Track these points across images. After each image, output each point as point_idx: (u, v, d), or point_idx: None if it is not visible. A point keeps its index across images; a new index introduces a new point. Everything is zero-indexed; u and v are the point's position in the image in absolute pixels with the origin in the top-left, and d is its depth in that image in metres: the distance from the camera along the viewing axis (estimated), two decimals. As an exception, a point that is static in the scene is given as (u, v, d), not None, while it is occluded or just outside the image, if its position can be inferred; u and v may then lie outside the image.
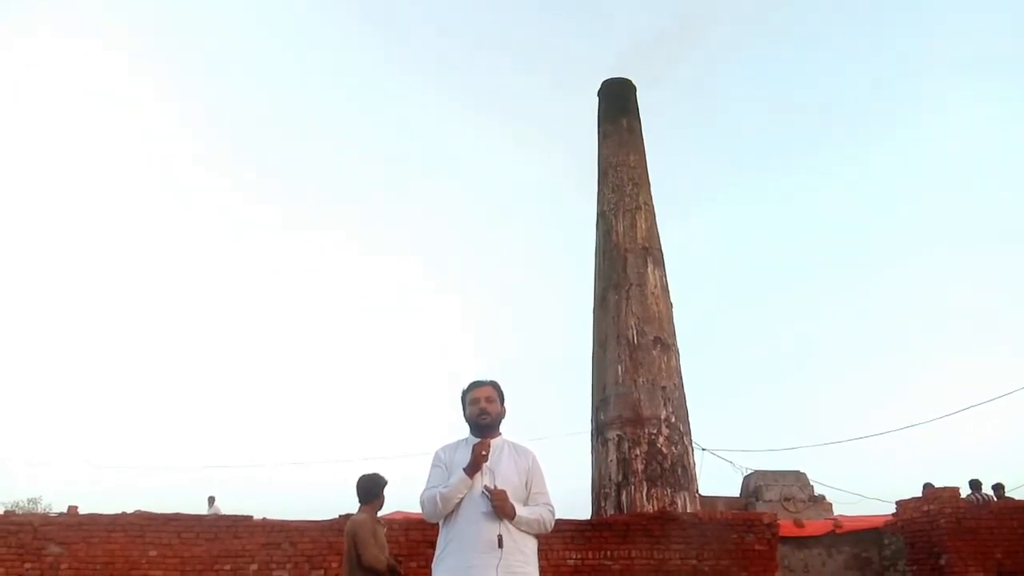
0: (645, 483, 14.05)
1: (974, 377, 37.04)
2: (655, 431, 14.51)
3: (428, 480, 3.64)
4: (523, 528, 3.50)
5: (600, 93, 18.97)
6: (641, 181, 17.45)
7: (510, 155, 60.49)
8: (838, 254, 52.88)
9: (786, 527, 12.63)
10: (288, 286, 53.43)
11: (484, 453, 3.49)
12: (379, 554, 5.85)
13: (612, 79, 18.93)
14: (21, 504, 23.92)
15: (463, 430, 3.79)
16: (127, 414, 44.11)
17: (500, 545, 3.37)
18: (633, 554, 10.47)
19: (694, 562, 10.52)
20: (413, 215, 58.29)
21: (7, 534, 9.58)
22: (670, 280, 16.67)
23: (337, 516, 10.06)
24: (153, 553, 9.75)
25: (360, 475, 6.20)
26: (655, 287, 16.07)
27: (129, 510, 10.17)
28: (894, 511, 13.40)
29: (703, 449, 16.57)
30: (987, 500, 13.13)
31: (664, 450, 14.38)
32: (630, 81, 19.00)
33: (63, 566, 9.54)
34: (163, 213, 53.15)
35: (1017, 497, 13.73)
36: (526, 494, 3.62)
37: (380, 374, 51.65)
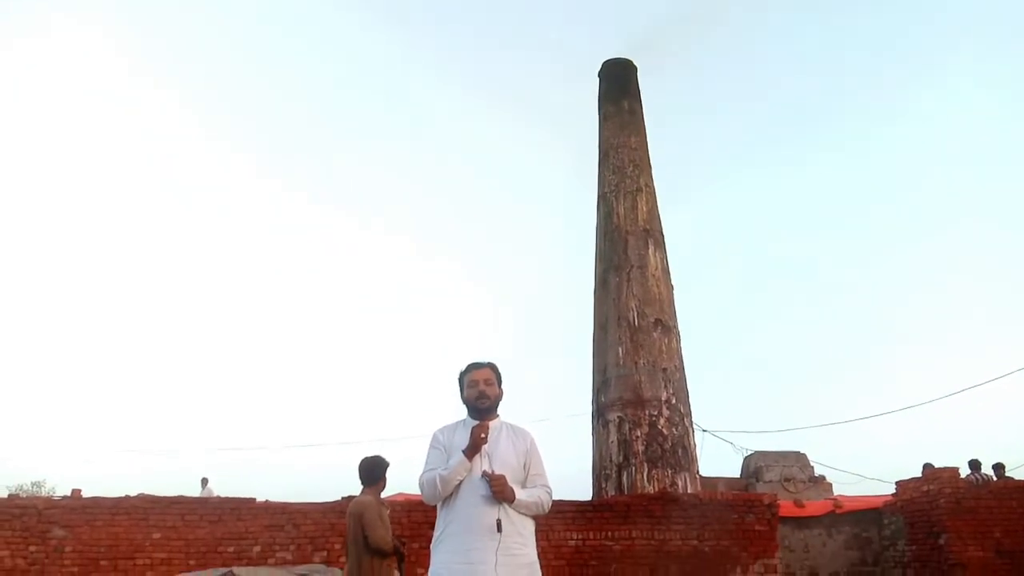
0: (646, 464, 14.10)
1: (974, 358, 37.12)
2: (656, 412, 14.55)
3: (426, 462, 3.64)
4: (522, 511, 3.51)
5: (601, 74, 18.83)
6: (642, 163, 17.39)
7: (511, 136, 60.32)
8: (839, 237, 52.83)
9: (786, 507, 12.69)
10: (289, 270, 53.44)
11: (483, 436, 3.49)
12: (386, 535, 5.88)
13: (613, 60, 18.79)
14: (25, 487, 24.10)
15: (463, 411, 3.78)
16: (130, 398, 44.25)
17: (499, 529, 3.38)
18: (634, 535, 10.53)
19: (695, 542, 10.58)
20: (414, 197, 58.19)
21: (12, 517, 9.63)
22: (671, 262, 16.66)
23: (340, 498, 10.10)
24: (157, 536, 9.82)
25: (362, 457, 6.22)
26: (656, 269, 16.06)
27: (132, 493, 10.23)
28: (894, 491, 13.45)
29: (704, 430, 16.64)
30: (986, 480, 13.18)
31: (665, 431, 14.42)
32: (631, 62, 18.87)
33: (67, 548, 9.61)
34: (162, 199, 53.09)
35: (1017, 477, 13.78)
36: (524, 475, 3.62)
37: (380, 356, 51.75)
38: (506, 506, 3.43)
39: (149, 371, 45.72)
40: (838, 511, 13.65)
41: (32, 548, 9.57)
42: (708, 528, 10.66)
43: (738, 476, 16.82)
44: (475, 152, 58.61)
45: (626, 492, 13.69)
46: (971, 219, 47.57)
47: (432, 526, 3.63)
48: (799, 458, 16.64)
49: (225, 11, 55.69)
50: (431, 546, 3.56)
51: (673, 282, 16.45)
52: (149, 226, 51.06)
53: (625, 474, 14.21)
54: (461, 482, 3.48)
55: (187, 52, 54.34)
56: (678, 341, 15.73)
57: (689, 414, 15.21)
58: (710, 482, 15.52)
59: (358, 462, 6.21)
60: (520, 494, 3.49)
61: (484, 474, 3.45)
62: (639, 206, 16.68)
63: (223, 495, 10.90)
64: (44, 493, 22.27)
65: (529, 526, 3.56)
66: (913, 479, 12.98)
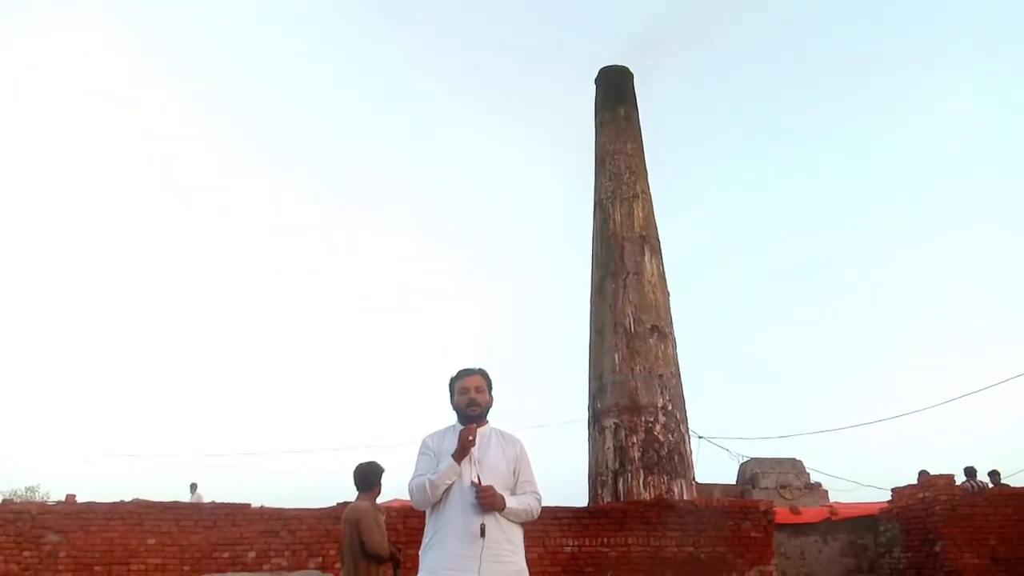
0: (642, 471, 14.10)
1: (970, 365, 37.19)
2: (652, 419, 14.56)
3: (416, 467, 3.63)
4: (511, 518, 3.51)
5: (597, 81, 18.88)
6: (638, 170, 17.43)
7: (509, 140, 60.36)
8: (836, 242, 52.94)
9: (782, 514, 12.68)
10: (285, 274, 53.40)
11: (471, 438, 3.49)
12: (383, 541, 5.88)
13: (609, 67, 18.83)
14: (19, 493, 23.95)
15: (454, 417, 3.78)
16: (124, 402, 44.13)
17: (483, 534, 3.38)
18: (630, 541, 10.52)
19: (691, 549, 10.57)
20: (410, 200, 58.20)
21: (5, 522, 9.60)
22: (667, 268, 16.69)
23: (335, 504, 10.08)
24: (151, 541, 9.78)
25: (357, 463, 6.21)
26: (652, 276, 16.09)
27: (127, 498, 10.20)
28: (890, 498, 13.47)
29: (700, 437, 16.65)
30: (982, 487, 13.20)
31: (661, 438, 14.43)
32: (628, 69, 18.91)
33: (61, 554, 9.57)
34: (159, 202, 53.06)
35: (1013, 484, 13.80)
36: (514, 482, 3.62)
37: (375, 361, 51.71)
38: (494, 515, 3.44)
39: (143, 375, 45.65)
40: (834, 518, 13.65)
41: (26, 553, 9.52)
42: (704, 535, 10.66)
43: (734, 483, 16.83)
44: (473, 156, 58.71)
45: (622, 498, 13.69)
46: (968, 225, 47.72)
47: (429, 532, 3.62)
48: (795, 465, 16.66)
49: (226, 12, 55.79)
50: (420, 552, 3.56)
51: (669, 288, 16.49)
52: (145, 229, 51.03)
53: (621, 480, 14.21)
54: (451, 487, 3.48)
55: (187, 52, 54.37)
56: (674, 347, 15.76)
57: (685, 420, 15.22)
58: (706, 488, 15.53)
59: (353, 468, 6.20)
60: (510, 502, 3.49)
61: (473, 484, 3.46)
62: (635, 212, 16.71)
63: (216, 500, 10.87)
64: (38, 498, 22.17)
65: (519, 533, 3.56)
66: (909, 486, 13.00)
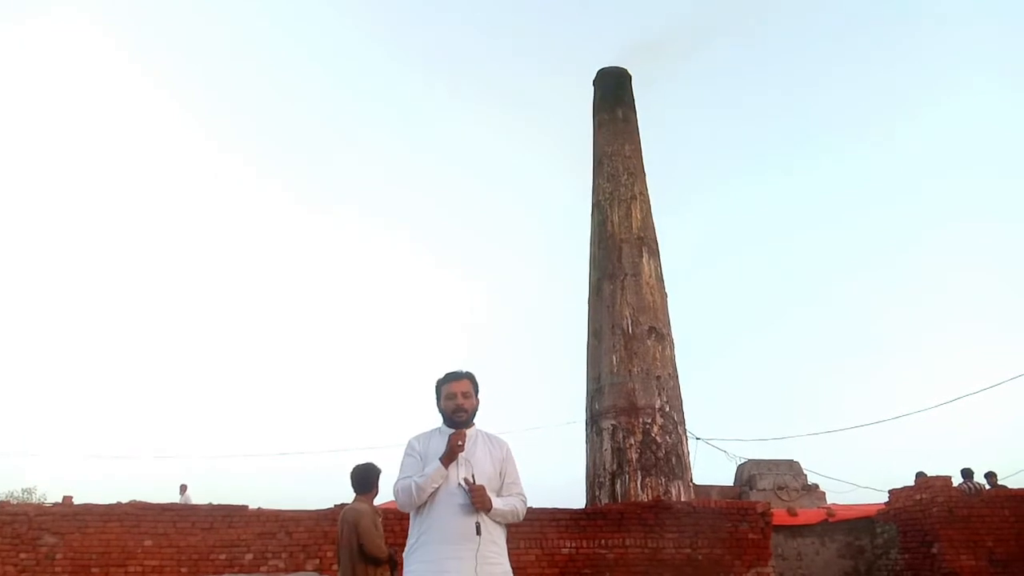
0: (640, 472, 14.10)
1: (967, 366, 37.22)
2: (649, 420, 14.56)
3: (401, 469, 3.63)
4: (497, 519, 3.53)
5: (595, 82, 18.87)
6: (636, 171, 17.42)
7: (505, 143, 60.36)
8: (833, 244, 52.99)
9: (780, 516, 12.68)
10: (282, 277, 53.34)
11: (461, 443, 3.50)
12: (381, 543, 5.89)
13: (607, 68, 18.84)
14: (16, 494, 23.91)
15: (440, 419, 3.78)
16: (121, 404, 44.04)
17: (478, 532, 3.39)
18: (628, 543, 10.51)
19: (688, 551, 10.56)
20: (407, 202, 58.17)
21: (2, 524, 9.58)
22: (665, 270, 16.69)
23: (332, 506, 10.07)
24: (148, 543, 9.76)
25: (354, 466, 6.21)
26: (650, 277, 16.09)
27: (124, 500, 10.17)
28: (887, 500, 13.47)
29: (697, 438, 16.65)
30: (979, 489, 13.20)
31: (658, 439, 14.43)
32: (626, 71, 18.92)
33: (58, 556, 9.55)
34: (156, 203, 52.97)
35: (1009, 486, 13.81)
36: (500, 484, 3.64)
37: (371, 363, 51.65)
38: (483, 514, 3.44)
39: (140, 377, 45.55)
40: (831, 520, 13.65)
41: (23, 555, 9.50)
42: (702, 536, 10.65)
43: (731, 484, 16.82)
44: (470, 156, 58.78)
45: (620, 500, 13.69)
46: (965, 226, 47.79)
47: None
48: (792, 466, 16.66)
49: (228, 14, 55.73)
50: (404, 555, 3.56)
51: (667, 290, 16.49)
52: (144, 229, 50.95)
53: (619, 482, 14.21)
54: (437, 490, 3.48)
55: (191, 55, 54.31)
56: (672, 349, 15.75)
57: (683, 422, 15.22)
58: (703, 490, 15.52)
59: (350, 470, 6.20)
60: (496, 503, 3.51)
61: (464, 482, 3.46)
62: (633, 214, 16.71)
63: (207, 502, 10.83)
64: (35, 500, 22.13)
65: (503, 535, 3.58)
66: (906, 488, 12.99)
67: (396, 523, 10.02)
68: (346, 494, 6.34)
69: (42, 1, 49.12)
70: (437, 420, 3.75)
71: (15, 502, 17.63)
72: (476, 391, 3.75)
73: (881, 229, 51.10)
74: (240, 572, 9.65)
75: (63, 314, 49.79)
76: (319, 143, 57.92)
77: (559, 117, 58.52)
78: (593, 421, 15.27)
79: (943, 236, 49.60)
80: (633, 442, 14.36)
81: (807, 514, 13.89)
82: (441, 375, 3.77)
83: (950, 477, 12.61)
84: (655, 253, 16.59)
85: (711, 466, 20.19)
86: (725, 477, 17.09)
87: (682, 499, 13.56)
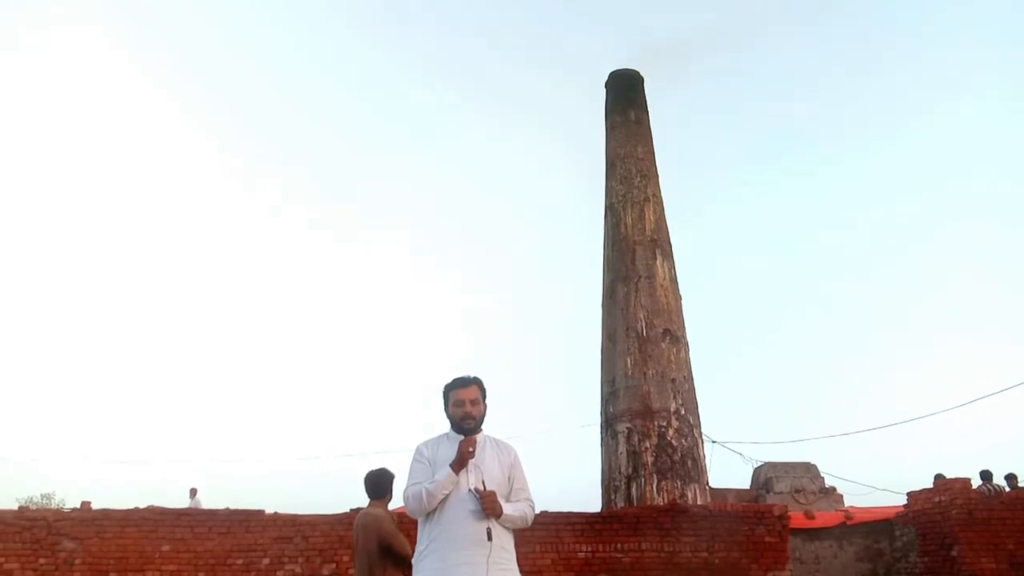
0: (655, 476, 14.06)
1: (986, 367, 36.85)
2: (665, 423, 14.51)
3: (410, 476, 3.64)
4: (507, 525, 3.54)
5: (607, 85, 18.87)
6: (649, 173, 17.39)
7: (518, 147, 60.38)
8: (848, 245, 52.69)
9: (797, 519, 12.60)
10: (296, 282, 53.56)
11: (471, 450, 3.51)
12: (407, 543, 5.89)
13: (619, 71, 18.83)
14: (35, 500, 24.11)
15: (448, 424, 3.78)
16: (137, 409, 44.34)
17: (489, 537, 3.39)
18: (644, 547, 10.47)
19: (705, 555, 10.52)
20: (421, 206, 58.32)
21: (22, 529, 9.66)
22: (679, 272, 16.64)
23: (348, 510, 10.09)
24: (166, 548, 9.82)
25: (368, 471, 6.22)
26: (664, 279, 16.04)
27: (141, 505, 10.24)
28: (905, 502, 13.35)
29: (713, 441, 16.56)
30: (999, 491, 13.06)
31: (674, 442, 14.37)
32: (638, 73, 18.90)
33: (77, 561, 9.62)
34: (168, 211, 53.36)
35: (1029, 488, 13.65)
36: (508, 489, 3.65)
37: (386, 368, 51.76)
38: (493, 520, 3.44)
39: (156, 382, 45.85)
40: (849, 522, 13.55)
41: (42, 560, 9.58)
42: (718, 540, 10.60)
43: (748, 487, 16.73)
44: (483, 159, 58.79)
45: (636, 504, 13.64)
46: (986, 225, 47.41)
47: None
48: (809, 469, 16.55)
49: (236, 21, 56.09)
50: (413, 560, 3.56)
51: (681, 292, 16.43)
52: (157, 237, 51.33)
53: (634, 485, 14.17)
54: (447, 496, 3.49)
55: (195, 60, 54.72)
56: (687, 351, 15.70)
57: (698, 425, 15.16)
58: (720, 493, 15.44)
59: (364, 475, 6.21)
60: (507, 508, 3.52)
61: (475, 490, 3.46)
62: (647, 216, 16.68)
63: (230, 507, 10.88)
64: (54, 505, 22.30)
65: (512, 541, 3.59)
66: (925, 490, 12.87)
67: (412, 527, 10.03)
68: (359, 498, 6.35)
69: (40, 4, 49.54)
70: (448, 425, 3.76)
71: (34, 507, 17.78)
72: (484, 397, 3.76)
73: (902, 228, 50.81)
74: (257, 577, 9.69)
75: (82, 321, 50.22)
76: (331, 153, 58.17)
77: (572, 121, 58.56)
78: (608, 424, 15.24)
79: (961, 236, 49.24)
80: (648, 445, 14.31)
81: (825, 517, 13.80)
82: (449, 380, 3.77)
83: (969, 479, 12.48)
84: (669, 255, 16.54)
85: (727, 469, 20.08)
86: (741, 480, 17.01)
87: (698, 502, 13.50)
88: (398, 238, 58.71)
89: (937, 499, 12.35)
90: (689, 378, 15.40)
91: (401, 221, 59.41)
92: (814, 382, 48.86)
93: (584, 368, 17.59)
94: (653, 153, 17.87)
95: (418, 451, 3.71)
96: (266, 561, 9.94)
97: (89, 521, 9.93)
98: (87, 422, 41.87)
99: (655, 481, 14.00)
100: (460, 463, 3.49)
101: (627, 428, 14.65)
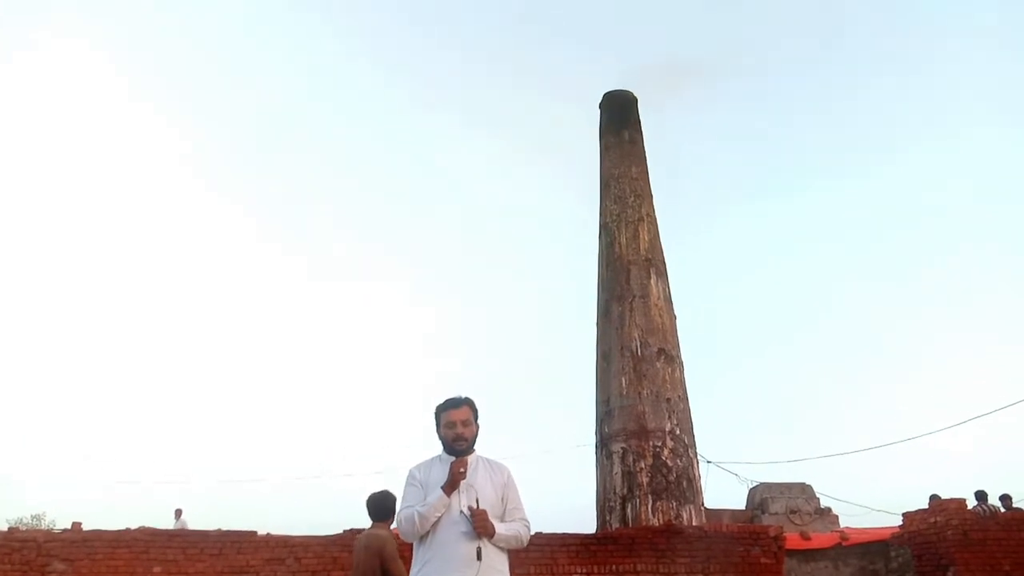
0: (650, 496, 13.99)
1: (981, 387, 36.93)
2: (660, 443, 14.46)
3: (403, 499, 3.65)
4: (500, 545, 3.53)
5: (602, 105, 18.99)
6: (643, 193, 17.47)
7: (512, 168, 60.67)
8: (841, 265, 52.89)
9: (792, 540, 12.55)
10: (290, 301, 53.49)
11: (462, 471, 3.51)
12: (404, 572, 5.87)
13: (614, 91, 18.96)
14: (25, 521, 23.87)
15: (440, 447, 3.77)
16: (130, 429, 44.07)
17: (479, 557, 3.39)
18: (639, 568, 10.41)
19: (700, 576, 10.46)
20: (416, 228, 58.40)
21: (11, 551, 9.56)
22: (673, 291, 16.66)
23: (342, 531, 10.02)
24: (157, 569, 9.72)
25: (370, 494, 6.23)
26: (658, 298, 16.06)
27: (133, 526, 10.15)
28: (901, 523, 13.32)
29: (708, 461, 16.52)
30: (994, 511, 13.04)
31: (669, 463, 14.32)
32: (631, 93, 19.04)
33: (67, 582, 9.51)
34: (171, 231, 53.32)
35: (1025, 508, 13.64)
36: (502, 509, 3.64)
37: (381, 388, 51.61)
38: (485, 540, 3.43)
39: (148, 402, 45.59)
40: (845, 543, 13.49)
41: (32, 582, 9.47)
42: (714, 561, 10.55)
43: (743, 508, 16.67)
44: (477, 179, 58.98)
45: (631, 524, 13.57)
46: (978, 247, 47.71)
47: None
48: (805, 489, 16.51)
49: (230, 43, 56.36)
50: None
51: (675, 311, 16.45)
52: (153, 255, 51.26)
53: (629, 506, 14.10)
54: (440, 518, 3.49)
55: (178, 56, 54.91)
56: (681, 371, 15.69)
57: (693, 445, 15.11)
58: (715, 514, 15.38)
59: (366, 498, 6.21)
60: (499, 528, 3.52)
61: (468, 509, 3.45)
62: (641, 235, 16.73)
63: (221, 528, 10.80)
64: (44, 526, 22.07)
65: (505, 562, 3.58)
66: (920, 511, 12.85)
67: (408, 549, 9.96)
68: (354, 519, 6.34)
69: (38, 12, 49.72)
70: (440, 446, 3.75)
71: (24, 528, 17.60)
72: (476, 417, 3.75)
73: (893, 250, 51.05)
74: (249, 599, 9.59)
75: (73, 340, 50.00)
76: (326, 173, 58.31)
77: (566, 141, 58.86)
78: (603, 444, 15.19)
79: (953, 256, 49.50)
80: (643, 465, 14.26)
81: (820, 538, 13.74)
82: (440, 401, 3.78)
83: (964, 500, 12.47)
84: (663, 274, 16.57)
85: (722, 490, 20.00)
86: (737, 501, 16.96)
87: (693, 523, 13.43)
88: (394, 255, 58.77)
89: (932, 520, 12.33)
90: (684, 398, 15.38)
91: (396, 239, 59.46)
92: (809, 402, 48.88)
93: (579, 387, 17.58)
94: (647, 173, 17.95)
95: (410, 474, 3.71)
96: (258, 583, 9.84)
97: (80, 542, 9.83)
98: (80, 442, 41.60)
99: (650, 502, 13.94)
100: (451, 485, 3.49)
101: (622, 448, 14.60)
